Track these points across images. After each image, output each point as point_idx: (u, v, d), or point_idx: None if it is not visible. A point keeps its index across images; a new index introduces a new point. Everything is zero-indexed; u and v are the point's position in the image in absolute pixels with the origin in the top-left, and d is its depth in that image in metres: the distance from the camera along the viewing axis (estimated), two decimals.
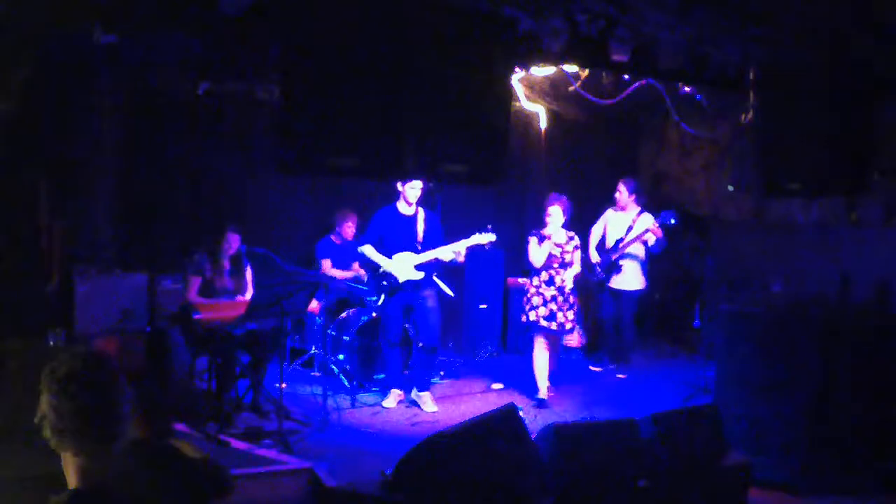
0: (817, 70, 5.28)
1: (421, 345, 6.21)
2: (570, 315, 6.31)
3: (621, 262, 7.15)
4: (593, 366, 7.58)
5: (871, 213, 6.57)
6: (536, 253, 6.27)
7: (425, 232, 6.09)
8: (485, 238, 6.07)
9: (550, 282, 6.28)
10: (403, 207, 6.08)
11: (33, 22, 4.61)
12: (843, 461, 4.76)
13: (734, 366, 5.11)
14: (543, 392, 6.30)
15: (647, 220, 7.08)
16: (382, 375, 6.48)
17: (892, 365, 4.90)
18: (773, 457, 4.75)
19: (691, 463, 4.05)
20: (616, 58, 5.27)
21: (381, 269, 6.06)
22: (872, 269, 6.18)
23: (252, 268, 6.11)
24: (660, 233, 6.92)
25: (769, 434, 4.81)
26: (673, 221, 6.87)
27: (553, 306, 6.24)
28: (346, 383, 6.38)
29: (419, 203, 6.12)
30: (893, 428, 4.85)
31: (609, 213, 7.37)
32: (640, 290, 7.25)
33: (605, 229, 7.37)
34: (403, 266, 6.01)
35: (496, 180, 4.45)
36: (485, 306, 8.03)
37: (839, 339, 4.82)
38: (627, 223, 7.17)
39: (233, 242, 5.87)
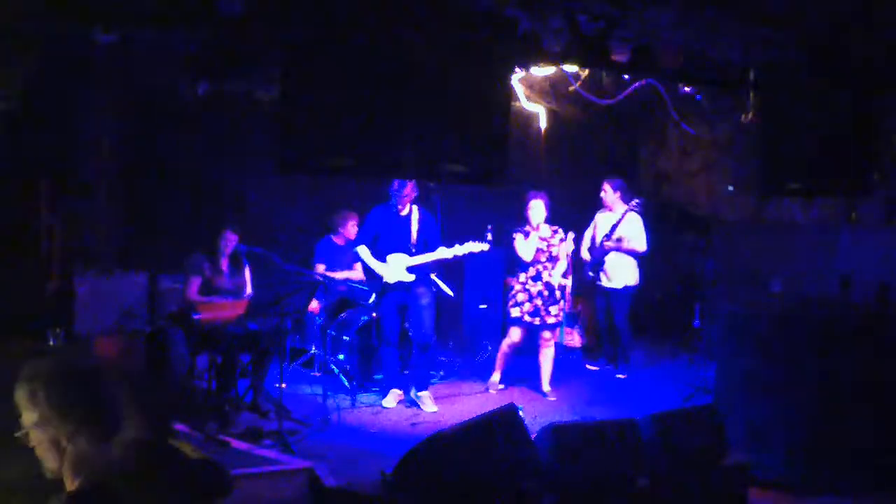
0: (817, 70, 5.28)
1: (416, 343, 6.22)
2: (555, 310, 6.38)
3: (605, 259, 7.17)
4: (590, 364, 7.59)
5: (871, 213, 6.57)
6: (524, 247, 6.34)
7: (419, 232, 6.09)
8: (478, 247, 6.07)
9: (537, 277, 6.36)
10: (397, 208, 6.09)
11: (33, 22, 4.61)
12: (843, 461, 4.76)
13: (734, 366, 5.11)
14: (496, 379, 6.61)
15: (634, 219, 7.13)
16: (382, 375, 6.49)
17: (892, 364, 4.90)
18: (773, 457, 4.75)
19: (691, 463, 4.05)
20: (616, 58, 5.26)
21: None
22: (872, 269, 6.18)
23: (252, 268, 6.12)
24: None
25: (769, 434, 4.81)
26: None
27: (538, 301, 6.33)
28: (346, 383, 6.38)
29: (415, 202, 6.12)
30: (893, 428, 4.85)
31: (599, 216, 7.40)
32: (630, 288, 7.23)
33: (594, 231, 7.38)
34: (395, 268, 6.02)
35: (496, 180, 4.43)
36: (485, 306, 8.02)
37: (839, 339, 4.82)
38: (613, 222, 7.19)
39: (230, 241, 5.87)
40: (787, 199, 7.28)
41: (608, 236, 7.16)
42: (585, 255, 7.34)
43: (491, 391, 6.67)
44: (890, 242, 6.39)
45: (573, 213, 7.92)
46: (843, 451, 4.76)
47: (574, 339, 7.88)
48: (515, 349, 6.57)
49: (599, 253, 7.21)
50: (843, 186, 5.59)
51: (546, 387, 6.59)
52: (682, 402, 6.42)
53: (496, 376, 6.67)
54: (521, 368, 6.96)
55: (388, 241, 6.07)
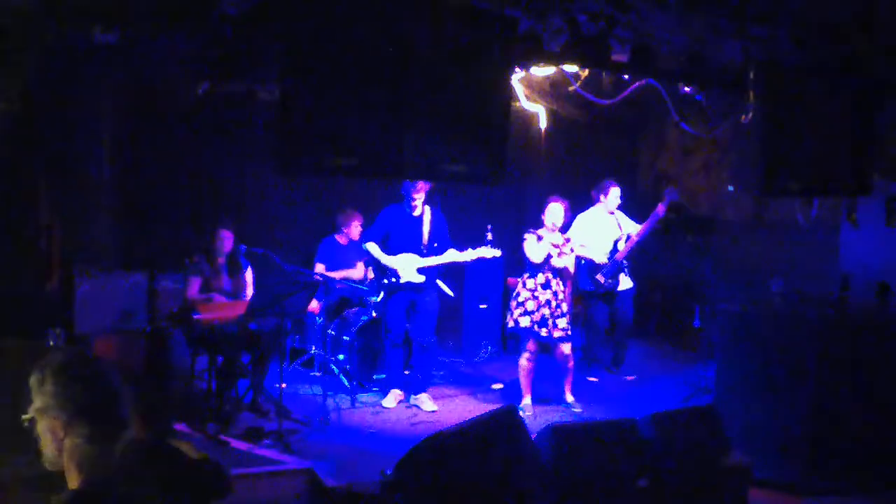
0: (817, 70, 5.29)
1: (417, 343, 6.22)
2: (563, 323, 6.02)
3: (623, 262, 7.12)
4: (590, 376, 7.33)
5: (871, 213, 6.57)
6: (535, 250, 6.01)
7: (431, 233, 6.09)
8: (490, 252, 6.03)
9: (546, 285, 6.02)
10: (410, 208, 6.08)
11: (33, 22, 4.61)
12: (843, 461, 4.76)
13: (734, 366, 5.11)
14: (528, 401, 6.16)
15: (624, 218, 7.11)
16: (382, 375, 6.49)
17: (892, 364, 4.90)
18: (773, 457, 4.75)
19: (691, 463, 4.05)
20: (616, 58, 5.26)
21: (385, 267, 6.08)
22: (872, 269, 6.18)
23: (252, 268, 6.11)
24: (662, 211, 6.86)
25: (769, 434, 4.82)
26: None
27: (546, 311, 5.97)
28: (346, 383, 6.38)
29: (426, 202, 6.12)
30: (893, 428, 4.85)
31: (600, 217, 7.18)
32: (634, 287, 7.24)
33: (590, 236, 7.25)
34: (406, 267, 6.02)
35: (496, 180, 4.43)
36: (485, 306, 8.03)
37: (839, 339, 4.82)
38: (615, 225, 7.10)
39: (226, 240, 5.87)
40: (787, 199, 7.27)
41: (628, 238, 7.04)
42: (603, 259, 7.02)
43: (492, 388, 6.67)
44: (890, 242, 6.39)
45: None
46: (843, 451, 4.76)
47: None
48: (535, 361, 6.15)
49: (623, 258, 7.02)
50: (843, 186, 5.59)
51: (569, 397, 6.31)
52: (682, 402, 6.42)
53: (527, 399, 6.17)
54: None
55: (399, 240, 6.08)
